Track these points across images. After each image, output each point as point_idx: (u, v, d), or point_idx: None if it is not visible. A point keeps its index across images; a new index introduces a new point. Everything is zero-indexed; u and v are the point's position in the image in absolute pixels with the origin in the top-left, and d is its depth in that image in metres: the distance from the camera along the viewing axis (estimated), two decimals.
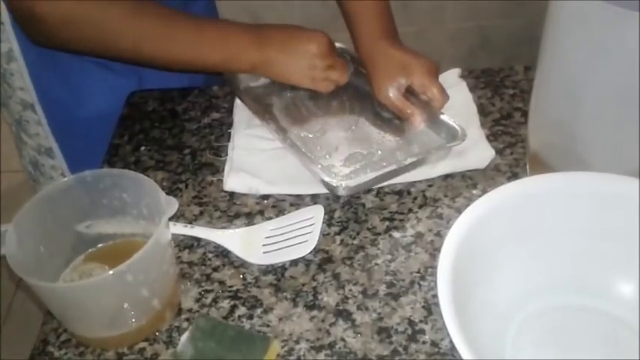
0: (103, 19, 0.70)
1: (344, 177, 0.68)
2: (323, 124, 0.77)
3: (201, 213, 0.70)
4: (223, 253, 0.65)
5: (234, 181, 0.71)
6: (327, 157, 0.73)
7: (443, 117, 0.74)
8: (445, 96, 0.74)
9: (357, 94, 0.81)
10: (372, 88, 0.78)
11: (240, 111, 0.80)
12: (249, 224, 0.68)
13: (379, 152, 0.73)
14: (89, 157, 0.76)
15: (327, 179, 0.67)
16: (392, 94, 0.75)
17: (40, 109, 0.85)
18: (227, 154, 0.76)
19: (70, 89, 0.82)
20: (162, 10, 0.73)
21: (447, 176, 0.71)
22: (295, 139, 0.74)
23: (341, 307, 0.59)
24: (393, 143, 0.75)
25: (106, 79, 0.85)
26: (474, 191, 0.69)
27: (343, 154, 0.73)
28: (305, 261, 0.64)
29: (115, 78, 0.85)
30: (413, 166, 0.69)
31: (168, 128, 0.82)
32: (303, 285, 0.62)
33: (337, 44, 0.84)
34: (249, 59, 0.75)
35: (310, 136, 0.76)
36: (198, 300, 0.61)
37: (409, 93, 0.76)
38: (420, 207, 0.68)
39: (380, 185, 0.70)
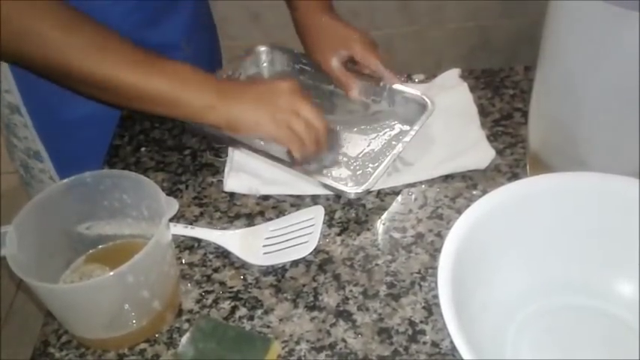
0: (40, 30, 0.64)
1: (352, 179, 0.71)
2: None
3: (202, 214, 0.70)
4: (224, 254, 0.65)
5: (234, 181, 0.71)
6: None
7: (402, 90, 0.77)
8: (390, 67, 0.77)
9: (329, 98, 0.82)
10: (315, 60, 0.80)
11: None
12: (249, 225, 0.68)
13: (372, 147, 0.75)
14: (77, 159, 0.72)
15: (341, 188, 0.67)
16: (334, 64, 0.78)
17: (26, 112, 0.84)
18: (227, 155, 0.76)
19: (54, 91, 0.80)
20: (103, 26, 0.66)
21: (447, 177, 0.71)
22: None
23: (341, 308, 0.60)
24: (382, 138, 0.76)
25: None
26: (474, 192, 0.69)
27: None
28: (305, 262, 0.64)
29: None
30: (408, 143, 0.71)
31: (168, 129, 0.82)
32: (304, 286, 0.62)
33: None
34: (204, 94, 0.67)
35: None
36: (198, 301, 0.61)
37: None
38: (421, 207, 0.68)
39: (382, 187, 0.70)
